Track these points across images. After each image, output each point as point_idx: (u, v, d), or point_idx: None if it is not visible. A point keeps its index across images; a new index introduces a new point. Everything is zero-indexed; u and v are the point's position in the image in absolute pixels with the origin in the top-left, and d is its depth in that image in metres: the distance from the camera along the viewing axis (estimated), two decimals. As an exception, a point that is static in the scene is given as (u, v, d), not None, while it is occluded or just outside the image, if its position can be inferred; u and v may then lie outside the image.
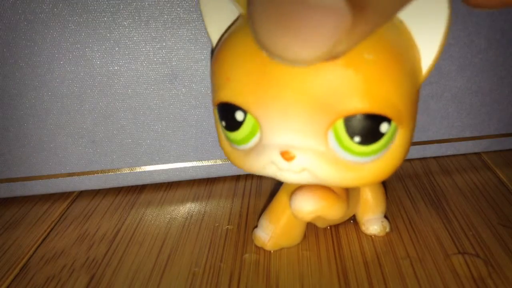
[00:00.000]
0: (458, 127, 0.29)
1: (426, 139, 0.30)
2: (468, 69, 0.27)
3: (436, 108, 0.28)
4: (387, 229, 0.23)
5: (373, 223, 0.23)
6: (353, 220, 0.24)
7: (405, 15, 0.15)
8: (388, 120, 0.15)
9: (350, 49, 0.13)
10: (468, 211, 0.25)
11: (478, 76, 0.28)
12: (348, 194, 0.20)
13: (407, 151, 0.17)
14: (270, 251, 0.22)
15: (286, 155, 0.16)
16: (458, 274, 0.20)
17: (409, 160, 0.30)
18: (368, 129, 0.15)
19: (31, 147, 0.26)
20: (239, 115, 0.16)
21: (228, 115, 0.17)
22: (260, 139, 0.16)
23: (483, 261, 0.21)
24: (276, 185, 0.28)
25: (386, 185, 0.28)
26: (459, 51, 0.27)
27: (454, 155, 0.31)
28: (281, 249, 0.22)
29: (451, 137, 0.30)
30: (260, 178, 0.29)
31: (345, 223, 0.24)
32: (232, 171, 0.29)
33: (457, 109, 0.29)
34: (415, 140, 0.29)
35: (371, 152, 0.16)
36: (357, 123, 0.15)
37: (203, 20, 0.19)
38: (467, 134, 0.30)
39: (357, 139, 0.15)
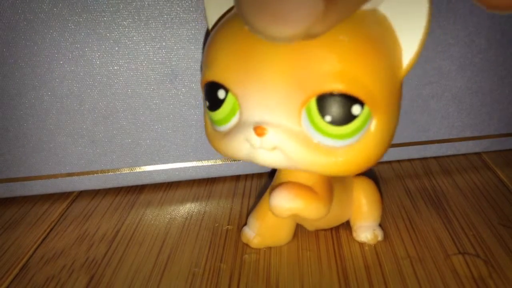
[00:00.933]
0: (459, 127, 0.29)
1: (426, 139, 0.30)
2: (469, 69, 0.27)
3: (436, 108, 0.28)
4: (379, 238, 0.22)
5: (364, 231, 0.22)
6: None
7: (387, 10, 0.16)
8: (361, 103, 0.16)
9: (326, 31, 0.14)
10: (469, 211, 0.25)
11: (479, 76, 0.28)
12: (331, 196, 0.20)
13: (383, 144, 0.17)
14: (270, 251, 0.22)
15: (258, 130, 0.16)
16: (459, 274, 0.20)
17: (410, 160, 0.30)
18: (339, 109, 0.16)
19: (31, 147, 0.26)
20: (220, 93, 0.17)
21: (211, 93, 0.18)
22: (239, 119, 0.17)
23: (483, 261, 0.21)
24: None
25: (386, 185, 0.28)
26: (459, 51, 0.27)
27: (454, 155, 0.31)
28: (281, 249, 0.22)
29: (451, 137, 0.30)
30: (260, 178, 0.29)
31: (345, 222, 0.24)
32: (232, 171, 0.29)
33: (458, 109, 0.29)
34: (415, 140, 0.29)
35: (343, 135, 0.16)
36: (329, 102, 0.15)
37: (203, 5, 0.20)
38: (468, 134, 0.30)
39: (328, 118, 0.16)
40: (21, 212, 0.27)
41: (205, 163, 0.28)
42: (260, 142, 0.16)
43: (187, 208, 0.26)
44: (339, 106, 0.15)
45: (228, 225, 0.25)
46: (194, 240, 0.23)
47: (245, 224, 0.23)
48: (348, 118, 0.16)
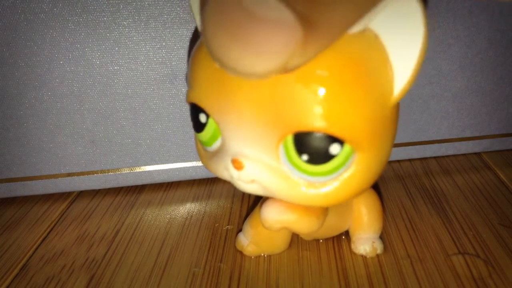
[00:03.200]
0: (459, 127, 0.29)
1: (426, 139, 0.30)
2: (469, 69, 0.27)
3: (436, 108, 0.28)
4: (378, 251, 0.22)
5: (363, 243, 0.22)
6: (345, 236, 0.23)
7: (379, 27, 0.14)
8: (340, 141, 0.14)
9: (304, 63, 0.13)
10: (469, 211, 0.25)
11: (479, 76, 0.28)
12: (325, 209, 0.19)
13: (369, 177, 0.16)
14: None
15: (236, 164, 0.16)
16: (458, 274, 0.20)
17: (410, 160, 0.30)
18: (316, 148, 0.15)
19: (31, 147, 0.26)
20: (202, 117, 0.17)
21: (194, 115, 0.17)
22: (221, 144, 0.17)
23: (483, 261, 0.21)
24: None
25: (386, 185, 0.28)
26: (459, 51, 0.27)
27: (454, 155, 0.31)
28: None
29: (451, 137, 0.30)
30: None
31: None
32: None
33: (458, 109, 0.29)
34: (415, 140, 0.29)
35: (321, 173, 0.15)
36: (305, 141, 0.15)
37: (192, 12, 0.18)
38: (468, 134, 0.30)
39: (304, 157, 0.15)
40: (21, 212, 0.27)
41: (205, 163, 0.28)
42: (238, 175, 0.16)
43: (187, 208, 0.26)
44: (315, 146, 0.14)
45: (228, 225, 0.25)
46: (194, 240, 0.23)
47: (241, 230, 0.23)
48: (326, 157, 0.15)
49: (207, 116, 0.16)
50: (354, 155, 0.15)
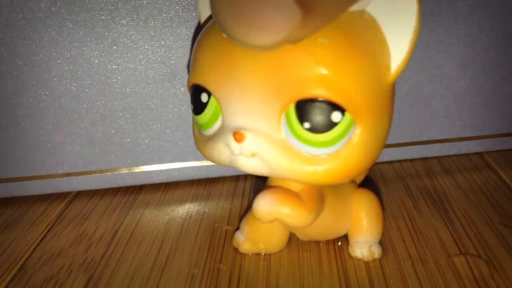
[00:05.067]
0: (460, 127, 0.29)
1: (427, 139, 0.29)
2: (470, 68, 0.27)
3: (437, 108, 0.28)
4: (375, 256, 0.21)
5: (360, 246, 0.21)
6: (340, 242, 0.23)
7: (375, 11, 0.15)
8: (341, 110, 0.15)
9: (308, 36, 0.14)
10: (470, 211, 0.24)
11: (480, 75, 0.28)
12: (319, 205, 0.19)
13: (369, 154, 0.16)
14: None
15: (237, 136, 0.16)
16: (460, 274, 0.20)
17: (411, 160, 0.30)
18: (318, 115, 0.15)
19: (29, 147, 0.26)
20: (203, 97, 0.17)
21: (195, 96, 0.17)
22: (221, 124, 0.17)
23: (485, 262, 0.21)
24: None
25: (387, 185, 0.27)
26: (461, 50, 0.27)
27: (455, 155, 0.31)
28: (281, 250, 0.22)
29: (452, 136, 0.30)
30: (260, 178, 0.29)
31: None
32: (231, 171, 0.29)
33: (459, 108, 0.28)
34: (416, 139, 0.29)
35: (323, 143, 0.15)
36: (307, 108, 0.15)
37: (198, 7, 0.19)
38: (469, 134, 0.30)
39: (306, 125, 0.15)
40: (19, 213, 0.27)
41: (204, 163, 0.28)
42: (239, 148, 0.16)
43: (186, 209, 0.26)
44: (318, 113, 0.15)
45: (227, 225, 0.24)
46: (193, 241, 0.23)
47: (238, 228, 0.23)
48: (328, 125, 0.15)
49: (209, 95, 0.17)
50: (354, 127, 0.16)
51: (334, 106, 0.15)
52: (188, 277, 0.21)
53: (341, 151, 0.16)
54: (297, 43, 0.14)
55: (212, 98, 0.17)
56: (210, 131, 0.18)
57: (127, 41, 0.24)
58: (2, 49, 0.23)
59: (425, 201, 0.26)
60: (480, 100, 0.28)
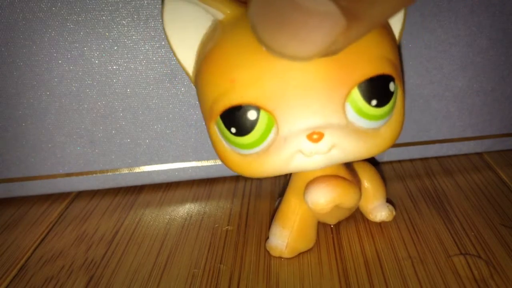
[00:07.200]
0: (460, 127, 0.29)
1: (427, 139, 0.29)
2: (470, 68, 0.27)
3: (437, 108, 0.28)
4: (394, 212, 0.24)
5: (380, 210, 0.23)
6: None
7: None
8: (392, 78, 0.17)
9: (345, 47, 0.14)
10: (470, 212, 0.24)
11: (480, 75, 0.28)
12: (358, 180, 0.21)
13: (404, 107, 0.19)
14: (269, 252, 0.22)
15: (314, 136, 0.16)
16: (460, 275, 0.20)
17: (411, 160, 0.30)
18: (381, 89, 0.16)
19: (29, 147, 0.26)
20: (251, 114, 0.16)
21: (238, 118, 0.16)
22: (277, 134, 0.16)
23: (484, 262, 0.21)
24: (276, 186, 0.28)
25: (387, 185, 0.27)
26: (460, 50, 0.27)
27: (455, 155, 0.31)
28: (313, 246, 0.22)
29: (452, 137, 0.30)
30: (260, 178, 0.29)
31: (345, 223, 0.24)
32: (231, 172, 0.29)
33: (459, 108, 0.28)
34: (416, 140, 0.29)
35: (386, 113, 0.17)
36: (371, 87, 0.16)
37: (170, 45, 0.19)
38: (469, 134, 0.30)
39: (374, 102, 0.16)
40: (19, 213, 0.27)
41: (204, 163, 0.28)
42: (316, 148, 0.16)
43: (186, 209, 0.26)
44: (381, 88, 0.16)
45: (228, 225, 0.24)
46: (194, 241, 0.23)
47: (267, 238, 0.22)
48: (389, 95, 0.17)
49: (257, 110, 0.16)
50: (397, 91, 0.17)
51: (389, 78, 0.17)
52: (189, 277, 0.21)
53: (393, 115, 0.18)
54: (336, 54, 0.15)
55: (262, 113, 0.16)
56: (260, 147, 0.17)
57: (127, 42, 0.24)
58: (2, 49, 0.23)
59: (425, 201, 0.26)
60: (480, 100, 0.28)
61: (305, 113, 0.16)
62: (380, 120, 0.17)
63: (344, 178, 0.19)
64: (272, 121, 0.16)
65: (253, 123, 0.16)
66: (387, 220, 0.23)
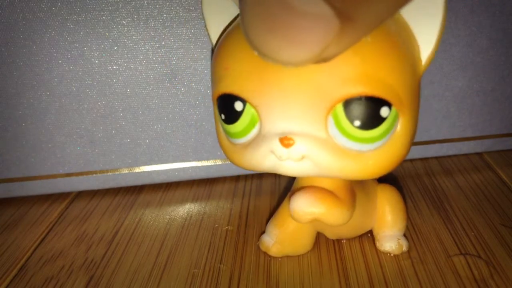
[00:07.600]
0: (460, 127, 0.29)
1: (427, 139, 0.29)
2: (470, 68, 0.27)
3: (437, 108, 0.28)
4: (404, 248, 0.21)
5: (388, 240, 0.21)
6: (370, 235, 0.23)
7: (402, 10, 0.16)
8: (388, 104, 0.15)
9: (340, 53, 0.14)
10: (470, 212, 0.24)
11: (480, 75, 0.28)
12: (354, 201, 0.19)
13: (410, 143, 0.17)
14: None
15: (285, 141, 0.16)
16: (460, 275, 0.20)
17: (411, 160, 0.30)
18: (368, 112, 0.15)
19: (29, 147, 0.26)
20: (238, 105, 0.17)
21: (227, 106, 0.17)
22: (260, 130, 0.17)
23: (484, 262, 0.21)
24: (276, 186, 0.28)
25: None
26: (460, 50, 0.27)
27: (455, 155, 0.31)
28: (308, 251, 0.22)
29: (452, 137, 0.30)
30: (260, 178, 0.29)
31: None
32: (232, 171, 0.29)
33: (459, 108, 0.28)
34: (416, 140, 0.29)
35: (372, 138, 0.16)
36: (357, 106, 0.15)
37: (204, 21, 0.19)
38: (469, 134, 0.30)
39: (357, 123, 0.15)
40: (19, 213, 0.27)
41: (204, 163, 0.28)
42: (287, 153, 0.16)
43: (186, 209, 0.26)
44: (368, 110, 0.15)
45: (228, 225, 0.24)
46: (194, 241, 0.23)
47: (263, 232, 0.22)
48: (377, 121, 0.15)
49: (243, 103, 0.16)
50: (398, 120, 0.16)
51: (382, 102, 0.15)
52: (189, 277, 0.21)
53: (387, 143, 0.16)
54: (328, 61, 0.14)
55: (247, 106, 0.16)
56: (244, 139, 0.17)
57: (127, 42, 0.24)
58: (2, 49, 0.23)
59: (425, 201, 0.26)
60: (480, 100, 0.28)
61: (284, 116, 0.16)
62: (365, 144, 0.16)
63: (334, 196, 0.18)
64: (256, 117, 0.16)
65: (239, 114, 0.17)
66: (393, 253, 0.21)
